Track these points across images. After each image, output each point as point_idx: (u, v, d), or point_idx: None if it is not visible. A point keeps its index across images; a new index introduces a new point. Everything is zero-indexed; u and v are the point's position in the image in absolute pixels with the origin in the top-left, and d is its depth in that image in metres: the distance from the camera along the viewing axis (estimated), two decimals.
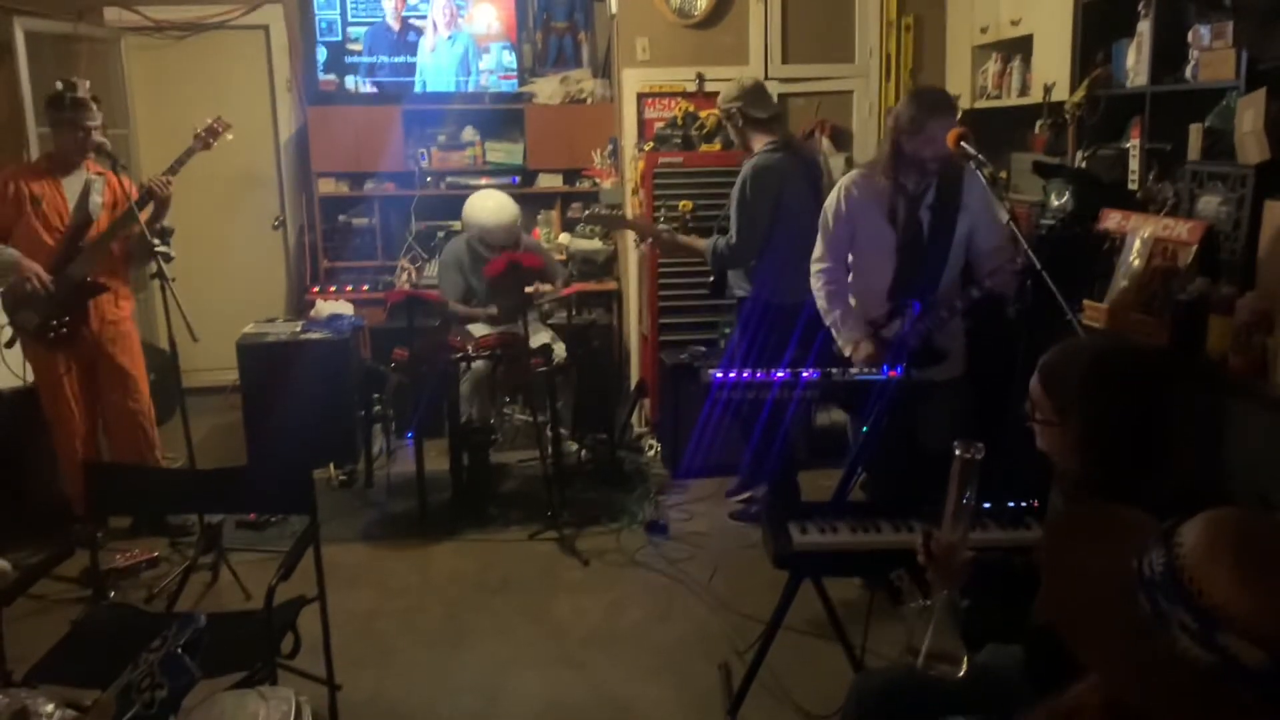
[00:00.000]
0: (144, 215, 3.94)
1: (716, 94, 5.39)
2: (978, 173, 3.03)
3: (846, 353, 3.47)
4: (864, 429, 3.22)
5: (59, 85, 3.99)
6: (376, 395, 5.17)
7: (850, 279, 3.57)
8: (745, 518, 4.39)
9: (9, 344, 4.09)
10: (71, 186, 4.05)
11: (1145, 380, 1.74)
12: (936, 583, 1.87)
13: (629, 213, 5.59)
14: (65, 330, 4.02)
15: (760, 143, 4.15)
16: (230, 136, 4.13)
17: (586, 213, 4.64)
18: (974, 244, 3.42)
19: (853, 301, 3.55)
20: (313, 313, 5.25)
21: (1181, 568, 1.12)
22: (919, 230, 3.37)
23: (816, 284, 3.56)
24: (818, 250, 3.57)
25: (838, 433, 4.96)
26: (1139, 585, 1.18)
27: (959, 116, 3.40)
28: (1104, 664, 1.19)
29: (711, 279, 4.40)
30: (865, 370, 3.28)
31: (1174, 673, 1.11)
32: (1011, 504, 2.63)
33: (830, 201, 3.53)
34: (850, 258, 3.56)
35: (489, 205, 4.97)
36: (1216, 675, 1.08)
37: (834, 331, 3.53)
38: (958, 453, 1.81)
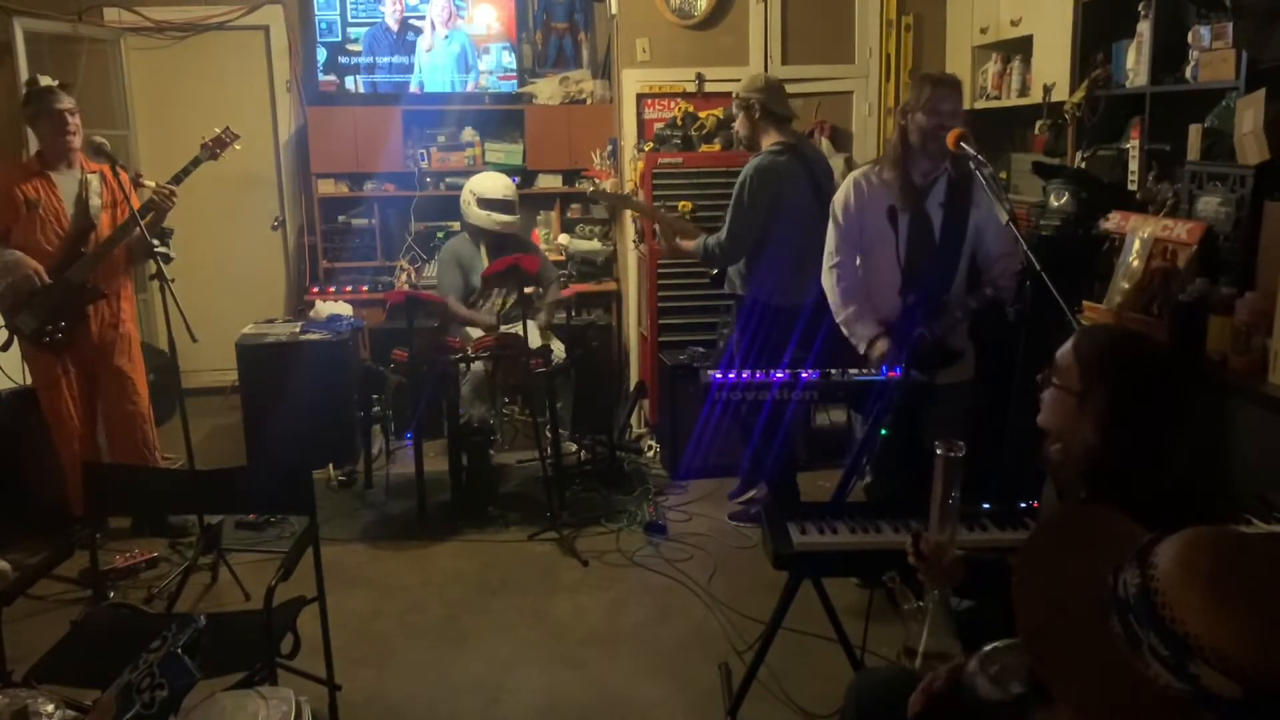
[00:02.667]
0: (144, 220, 3.94)
1: (716, 95, 5.46)
2: (978, 173, 3.03)
3: (861, 350, 3.42)
4: (883, 431, 3.21)
5: (24, 86, 4.04)
6: (376, 396, 5.17)
7: (861, 276, 3.56)
8: (744, 519, 4.39)
9: (4, 347, 4.09)
10: (66, 185, 4.03)
11: (1168, 372, 1.76)
12: (928, 583, 1.87)
13: (628, 212, 5.60)
14: (62, 335, 4.01)
15: (769, 140, 4.10)
16: (238, 147, 4.12)
17: (593, 189, 4.66)
18: (982, 247, 3.40)
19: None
20: (312, 313, 5.25)
21: (1155, 590, 1.08)
22: (928, 227, 3.36)
23: (829, 280, 3.52)
24: (830, 245, 3.53)
25: (838, 433, 4.98)
26: (1113, 605, 1.13)
27: (961, 91, 3.42)
28: (1071, 689, 1.14)
29: (715, 272, 4.38)
30: (866, 370, 3.27)
31: (1144, 701, 1.07)
32: (1011, 504, 2.63)
33: (839, 197, 3.51)
34: (861, 257, 3.55)
35: (488, 177, 5.12)
36: (1188, 705, 1.04)
37: (846, 329, 3.47)
38: (939, 452, 1.81)
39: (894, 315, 3.42)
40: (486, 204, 5.00)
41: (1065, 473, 1.83)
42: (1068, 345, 1.84)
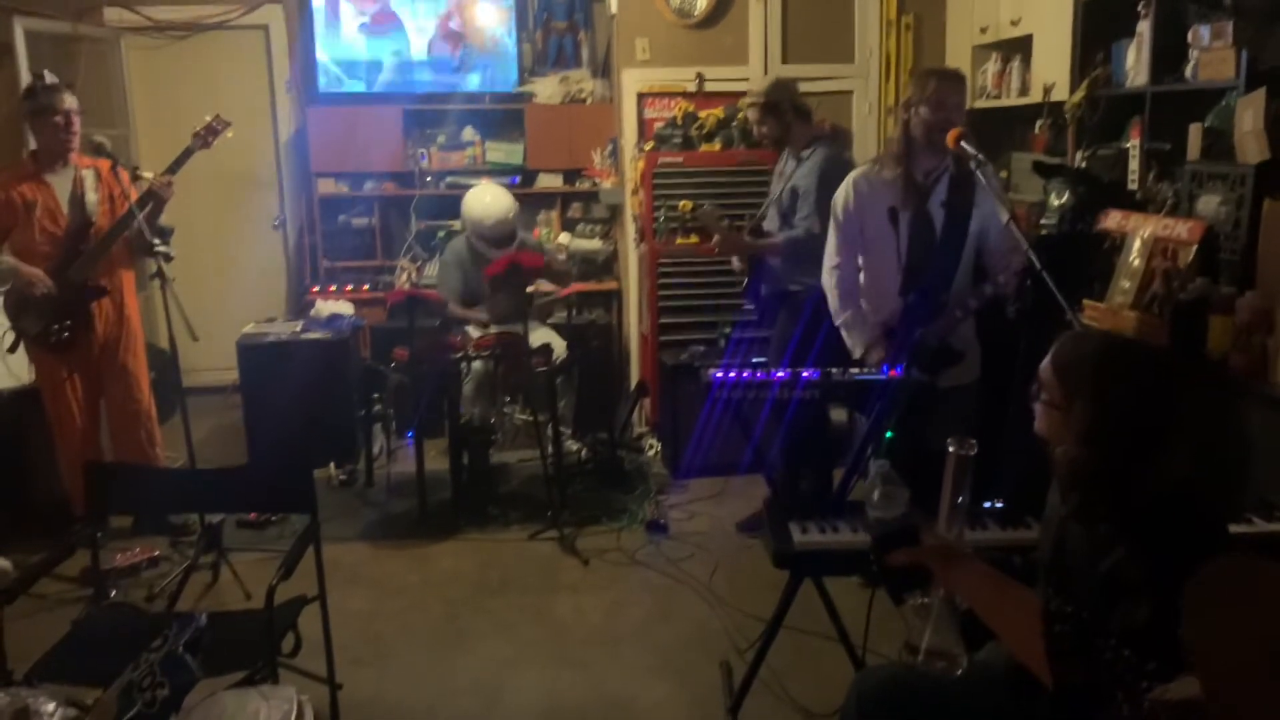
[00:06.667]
0: (143, 214, 3.93)
1: (716, 94, 5.45)
2: (978, 172, 3.03)
3: (856, 355, 3.43)
4: (888, 434, 3.19)
5: (28, 80, 4.00)
6: (376, 395, 5.17)
7: (861, 278, 3.56)
8: (752, 528, 4.33)
9: (11, 349, 4.07)
10: (61, 185, 4.01)
11: (1156, 375, 1.75)
12: (934, 580, 1.87)
13: (629, 212, 5.61)
14: (68, 334, 4.01)
15: (806, 135, 4.11)
16: (230, 134, 4.10)
17: (703, 207, 4.48)
18: (986, 243, 3.40)
19: (864, 304, 3.53)
20: (313, 313, 5.25)
21: None
22: (929, 226, 3.35)
23: (829, 281, 3.52)
24: (830, 247, 3.53)
25: (838, 433, 4.97)
26: None
27: (965, 86, 3.42)
28: None
29: (745, 281, 4.33)
30: (867, 370, 3.26)
31: None
32: (1012, 503, 2.63)
33: (839, 197, 3.51)
34: (862, 258, 3.55)
35: (484, 199, 5.02)
36: None
37: (844, 333, 3.48)
38: (951, 449, 1.81)
39: (895, 316, 3.42)
40: (479, 235, 4.97)
41: (1063, 479, 1.84)
42: (1047, 360, 1.84)
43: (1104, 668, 1.54)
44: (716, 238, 4.30)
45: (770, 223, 4.22)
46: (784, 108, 4.10)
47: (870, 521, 1.89)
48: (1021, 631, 1.66)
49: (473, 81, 6.03)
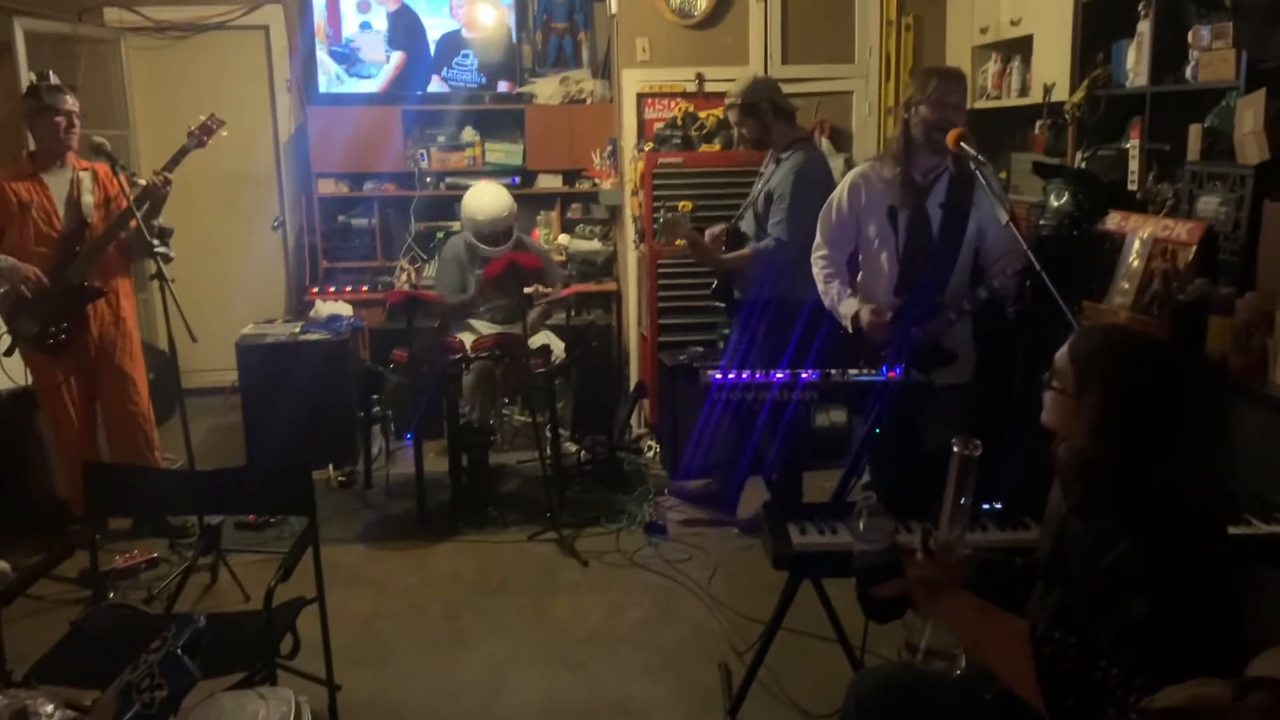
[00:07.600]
0: (140, 211, 3.93)
1: (716, 95, 5.44)
2: (978, 173, 3.03)
3: (847, 323, 3.41)
4: (876, 430, 3.20)
5: (32, 78, 4.00)
6: (375, 396, 5.17)
7: (859, 276, 3.56)
8: (753, 529, 4.29)
9: (8, 352, 4.06)
10: (58, 186, 4.01)
11: (1168, 371, 1.76)
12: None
13: (628, 212, 5.61)
14: (64, 336, 4.00)
15: (787, 136, 4.10)
16: (225, 133, 4.08)
17: (669, 216, 4.50)
18: (983, 246, 3.40)
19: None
20: (312, 313, 5.25)
21: None
22: (927, 226, 3.36)
23: (816, 269, 3.56)
24: (818, 239, 3.56)
25: (838, 433, 4.97)
26: None
27: (966, 84, 3.42)
28: None
29: (715, 283, 4.35)
30: (866, 370, 3.26)
31: None
32: (1011, 505, 2.63)
33: (836, 194, 3.52)
34: (860, 256, 3.55)
35: (482, 198, 5.01)
36: None
37: (834, 309, 3.49)
38: (955, 450, 1.82)
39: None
40: (474, 232, 4.96)
41: (1067, 471, 1.84)
42: (1064, 347, 1.85)
43: (1094, 687, 1.55)
44: (681, 242, 4.32)
45: (747, 224, 4.22)
46: (763, 108, 4.09)
47: (855, 554, 1.87)
48: (1011, 660, 1.67)
49: (472, 81, 6.03)
